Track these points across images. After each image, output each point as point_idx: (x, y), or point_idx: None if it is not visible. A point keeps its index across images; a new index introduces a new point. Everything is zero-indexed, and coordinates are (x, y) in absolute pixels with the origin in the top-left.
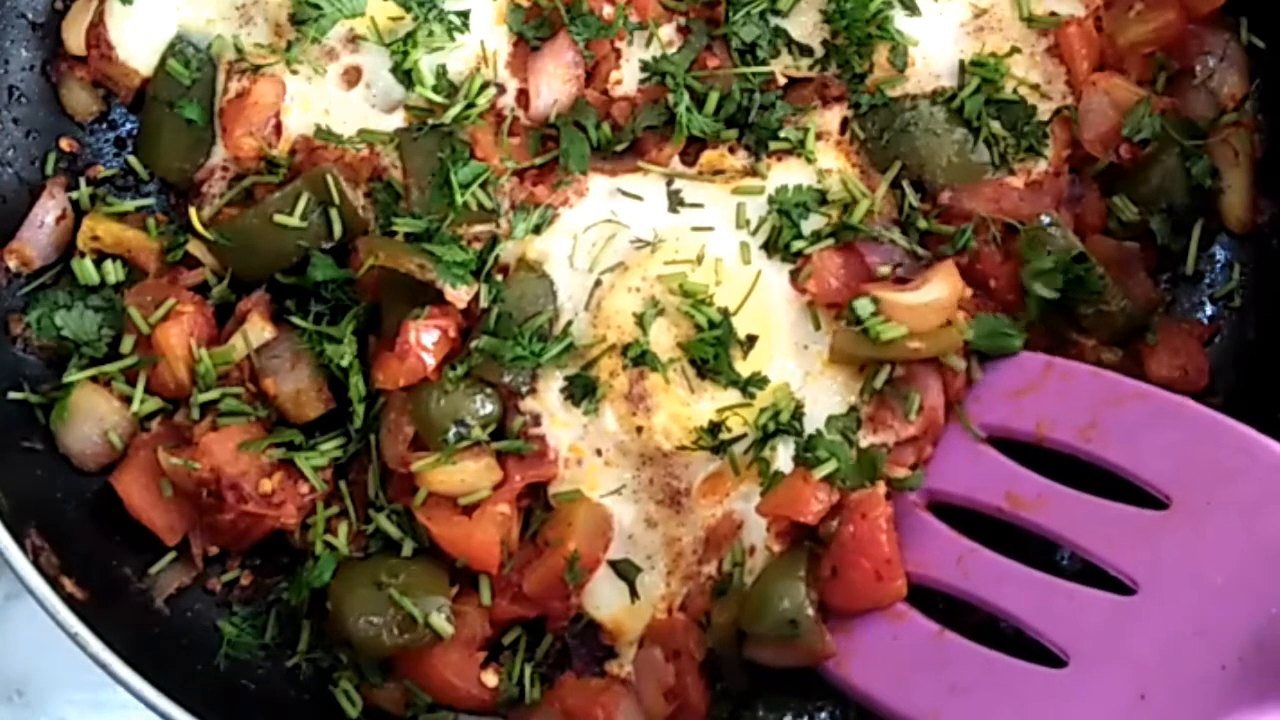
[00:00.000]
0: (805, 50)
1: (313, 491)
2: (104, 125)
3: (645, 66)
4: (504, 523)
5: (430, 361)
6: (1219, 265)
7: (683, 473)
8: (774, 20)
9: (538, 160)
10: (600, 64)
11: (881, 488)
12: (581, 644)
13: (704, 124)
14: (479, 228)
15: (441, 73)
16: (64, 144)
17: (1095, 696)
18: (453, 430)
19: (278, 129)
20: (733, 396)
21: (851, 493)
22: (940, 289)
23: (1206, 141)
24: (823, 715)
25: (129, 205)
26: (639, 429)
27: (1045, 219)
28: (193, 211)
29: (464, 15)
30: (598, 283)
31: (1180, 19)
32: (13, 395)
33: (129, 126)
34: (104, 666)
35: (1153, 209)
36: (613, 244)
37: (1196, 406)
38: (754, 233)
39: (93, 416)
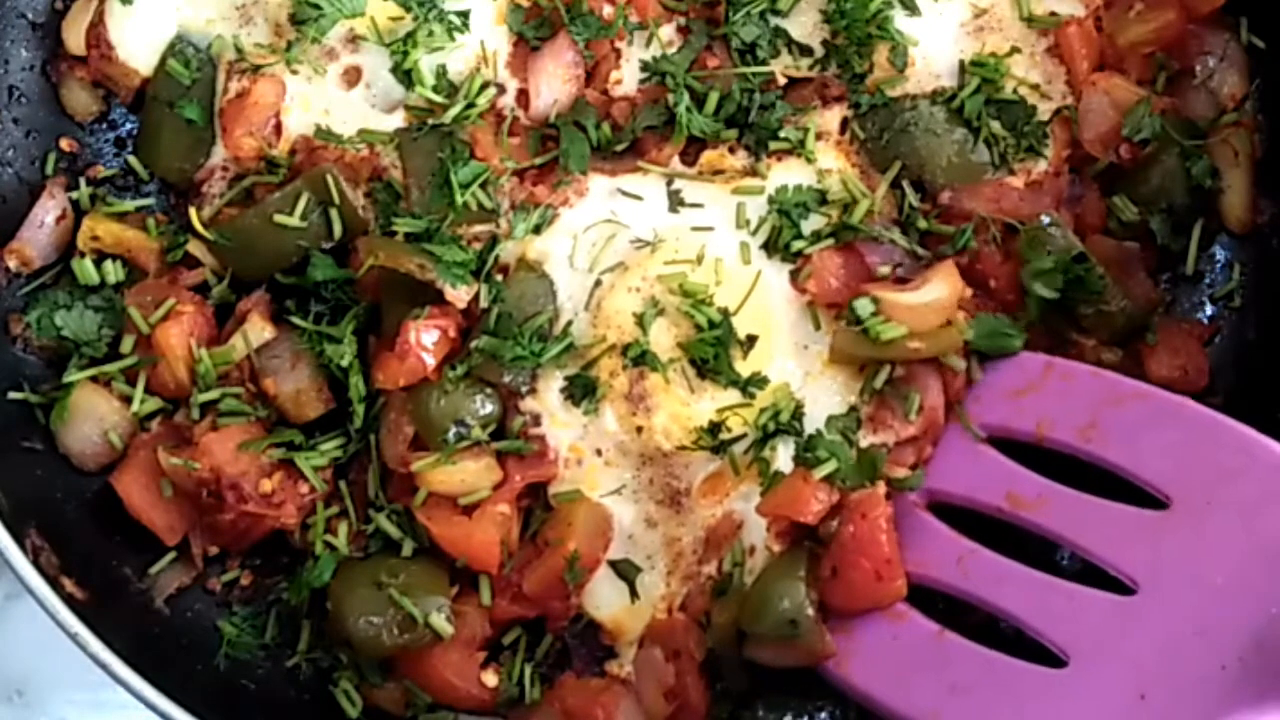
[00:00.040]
0: (805, 50)
1: (313, 491)
2: (104, 125)
3: (645, 66)
4: (504, 523)
5: (430, 361)
6: (1219, 265)
7: (683, 473)
8: (774, 20)
9: (538, 160)
10: (600, 64)
11: (881, 488)
12: (581, 644)
13: (704, 124)
14: (479, 228)
15: (441, 73)
16: (64, 144)
17: (1095, 696)
18: (453, 430)
19: (278, 129)
20: (733, 396)
21: (851, 493)
22: (940, 289)
23: (1206, 141)
24: (823, 715)
25: (129, 205)
26: (639, 429)
27: (1045, 219)
28: (193, 211)
29: (464, 15)
30: (598, 283)
31: (1180, 19)
32: (13, 395)
33: (129, 126)
34: (104, 666)
35: (1153, 209)
36: (613, 244)
37: (1196, 406)
38: (754, 233)
39: (93, 416)
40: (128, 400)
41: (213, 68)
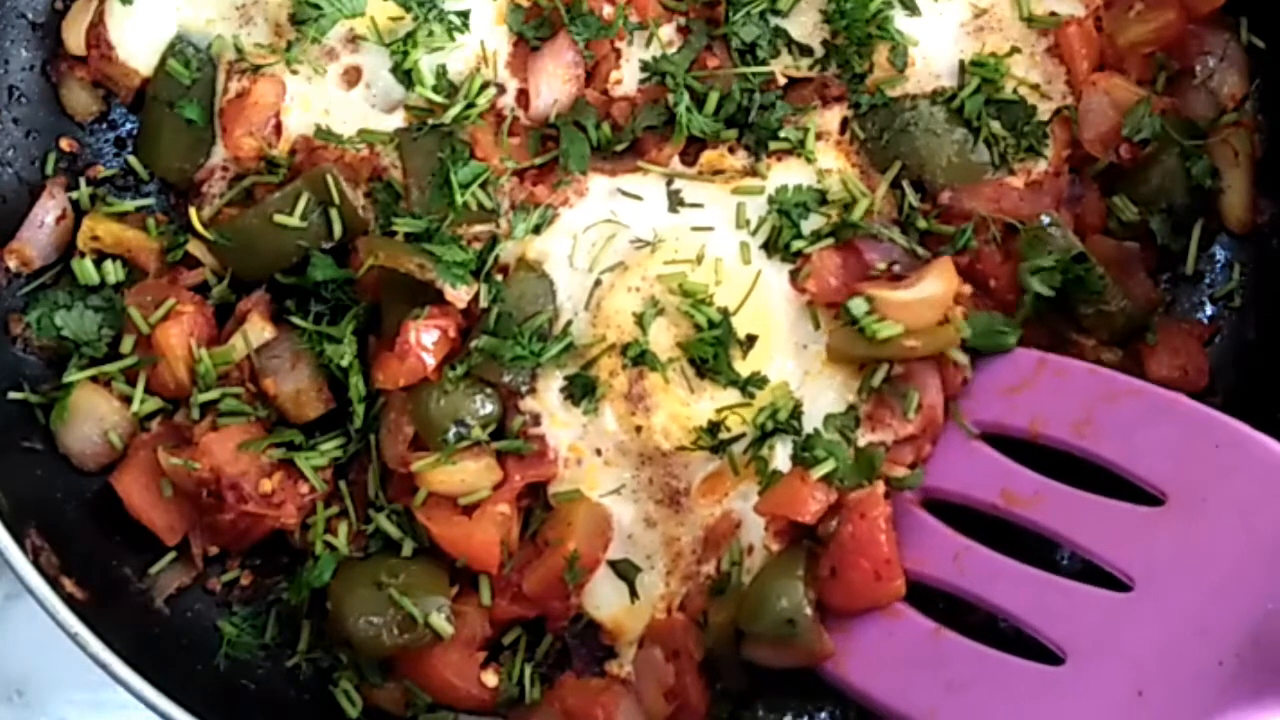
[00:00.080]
0: (805, 50)
1: (313, 491)
2: (104, 125)
3: (645, 66)
4: (504, 523)
5: (430, 361)
6: (1219, 265)
7: (682, 472)
8: (774, 20)
9: (538, 160)
10: (600, 64)
11: (880, 487)
12: (581, 644)
13: (704, 124)
14: (479, 228)
15: (441, 73)
16: (64, 144)
17: (1092, 693)
18: (453, 430)
19: (278, 129)
20: (732, 396)
21: (850, 492)
22: (935, 285)
23: (1206, 141)
24: (823, 715)
25: (129, 205)
26: (638, 429)
27: (1045, 219)
28: (193, 211)
29: (464, 15)
30: (597, 282)
31: (1180, 19)
32: (13, 395)
33: (129, 126)
34: (104, 666)
35: (1153, 209)
36: (613, 244)
37: (1191, 403)
38: (754, 233)
39: (93, 416)
40: (128, 400)
41: (213, 68)
